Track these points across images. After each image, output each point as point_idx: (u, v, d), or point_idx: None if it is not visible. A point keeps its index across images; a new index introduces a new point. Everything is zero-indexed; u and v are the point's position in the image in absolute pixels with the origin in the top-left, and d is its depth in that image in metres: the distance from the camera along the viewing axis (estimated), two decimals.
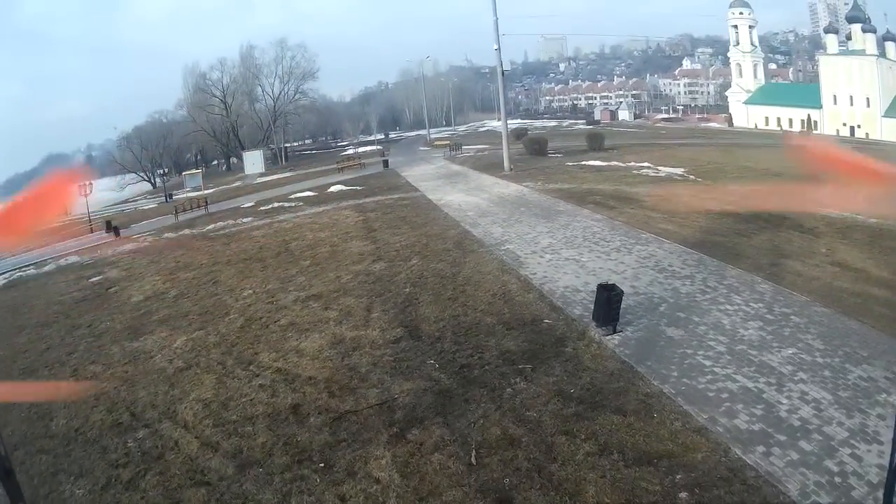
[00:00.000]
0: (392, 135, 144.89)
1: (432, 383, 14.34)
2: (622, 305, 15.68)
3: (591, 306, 16.13)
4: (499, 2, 47.54)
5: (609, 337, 15.29)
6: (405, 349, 16.52)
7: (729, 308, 16.46)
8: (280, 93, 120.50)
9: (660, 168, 43.51)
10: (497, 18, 47.60)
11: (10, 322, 27.18)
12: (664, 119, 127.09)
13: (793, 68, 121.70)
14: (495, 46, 48.69)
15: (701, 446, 10.51)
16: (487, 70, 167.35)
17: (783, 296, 17.20)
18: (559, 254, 23.30)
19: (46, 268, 40.15)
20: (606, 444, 10.88)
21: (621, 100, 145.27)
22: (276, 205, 47.93)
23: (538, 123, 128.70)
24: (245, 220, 43.24)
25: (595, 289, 16.13)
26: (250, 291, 24.13)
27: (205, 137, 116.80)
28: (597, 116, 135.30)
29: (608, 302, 15.11)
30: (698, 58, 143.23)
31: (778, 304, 16.49)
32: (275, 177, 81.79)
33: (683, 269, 20.00)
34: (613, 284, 15.50)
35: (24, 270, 41.08)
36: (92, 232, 55.50)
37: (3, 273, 41.42)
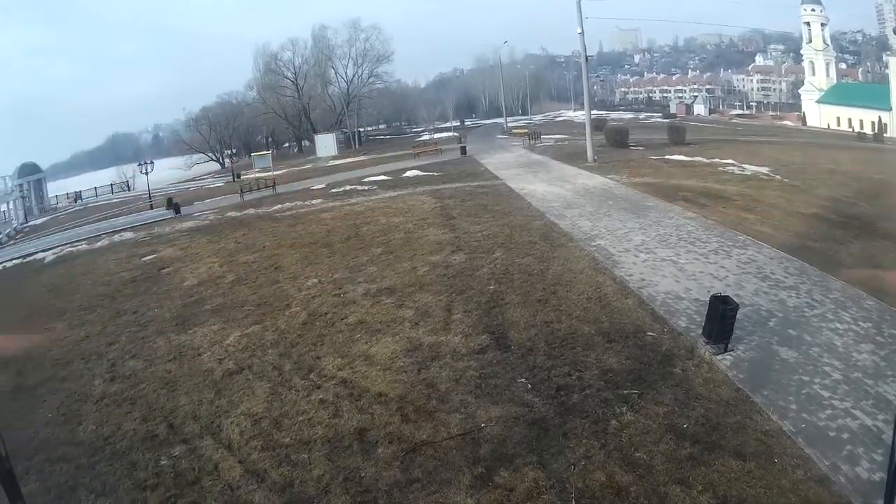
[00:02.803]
0: (468, 122, 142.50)
1: (524, 409, 12.42)
2: None
3: (697, 317, 15.60)
4: None
5: (721, 357, 13.83)
6: (492, 362, 14.59)
7: (839, 327, 15.04)
8: (354, 76, 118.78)
9: (745, 166, 41.41)
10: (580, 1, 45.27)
11: (52, 303, 26.24)
12: (738, 115, 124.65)
13: (862, 68, 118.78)
14: (579, 30, 46.84)
15: (824, 502, 9.48)
16: (563, 59, 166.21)
17: (890, 315, 15.59)
18: (655, 253, 21.57)
19: (99, 243, 39.59)
20: (725, 497, 9.73)
21: (696, 94, 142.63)
22: (347, 188, 46.57)
23: (615, 115, 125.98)
24: (314, 201, 41.92)
25: (700, 297, 16.45)
26: (315, 280, 22.44)
27: (275, 119, 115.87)
28: (672, 110, 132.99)
29: (722, 317, 13.81)
30: (770, 54, 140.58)
31: (886, 323, 15.21)
32: (347, 160, 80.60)
33: (787, 279, 18.41)
34: (728, 297, 14.18)
35: (76, 245, 40.43)
36: (152, 209, 55.00)
37: (54, 247, 40.82)
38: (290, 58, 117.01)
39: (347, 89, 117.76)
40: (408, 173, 50.19)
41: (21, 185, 76.08)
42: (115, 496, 11.70)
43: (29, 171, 78.95)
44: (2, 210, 64.25)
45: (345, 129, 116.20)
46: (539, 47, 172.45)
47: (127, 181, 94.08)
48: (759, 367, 13.34)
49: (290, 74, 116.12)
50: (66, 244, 41.61)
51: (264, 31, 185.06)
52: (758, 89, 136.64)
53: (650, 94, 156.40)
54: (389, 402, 13.31)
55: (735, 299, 15.35)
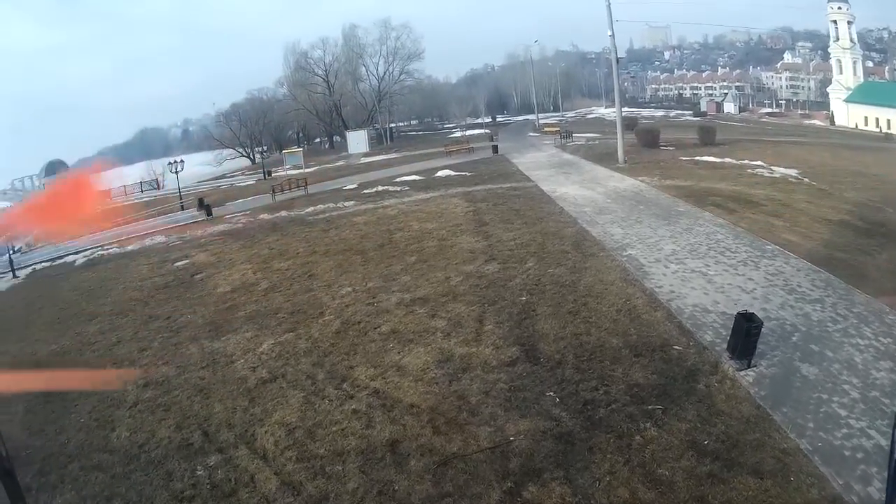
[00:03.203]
0: (499, 119, 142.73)
1: (552, 423, 12.65)
2: None
3: (723, 331, 15.75)
4: None
5: (743, 373, 14.00)
6: (521, 374, 14.82)
7: (860, 343, 15.07)
8: (385, 73, 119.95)
9: (774, 168, 41.18)
10: (609, 2, 45.51)
11: (83, 307, 26.74)
12: (768, 114, 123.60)
13: (888, 66, 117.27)
14: (609, 33, 47.08)
15: None
16: (593, 56, 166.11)
17: None
18: (684, 264, 21.62)
19: (130, 247, 40.13)
20: None
21: (725, 91, 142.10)
22: (380, 188, 46.84)
23: (645, 112, 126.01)
24: (347, 203, 42.22)
25: (727, 310, 16.70)
26: (349, 289, 22.71)
27: (306, 115, 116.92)
28: (703, 108, 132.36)
29: (747, 334, 14.01)
30: (798, 52, 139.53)
31: None
32: (379, 157, 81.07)
33: (812, 292, 18.40)
34: (753, 314, 14.35)
35: (107, 249, 41.00)
36: (183, 209, 55.89)
37: (84, 250, 41.41)
38: (320, 56, 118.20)
39: (378, 86, 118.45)
40: (440, 173, 50.57)
41: (49, 184, 76.19)
42: None
43: (56, 168, 79.80)
44: None
45: (376, 126, 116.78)
46: (570, 44, 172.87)
47: (156, 178, 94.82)
48: (781, 384, 13.55)
49: (320, 72, 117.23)
50: (95, 247, 42.19)
51: (293, 29, 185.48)
52: (786, 87, 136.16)
53: (680, 92, 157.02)
54: (421, 413, 13.57)
55: (762, 313, 15.76)
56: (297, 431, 13.45)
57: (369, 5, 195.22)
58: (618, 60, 49.87)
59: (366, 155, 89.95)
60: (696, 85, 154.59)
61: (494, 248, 25.41)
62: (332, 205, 42.48)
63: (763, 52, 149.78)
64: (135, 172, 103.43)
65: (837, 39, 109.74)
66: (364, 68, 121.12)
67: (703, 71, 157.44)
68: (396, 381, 15.04)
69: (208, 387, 16.39)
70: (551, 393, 13.80)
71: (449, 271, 23.04)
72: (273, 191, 51.38)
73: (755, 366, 14.19)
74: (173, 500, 11.98)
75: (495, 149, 63.41)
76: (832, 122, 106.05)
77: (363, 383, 15.18)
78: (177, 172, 59.46)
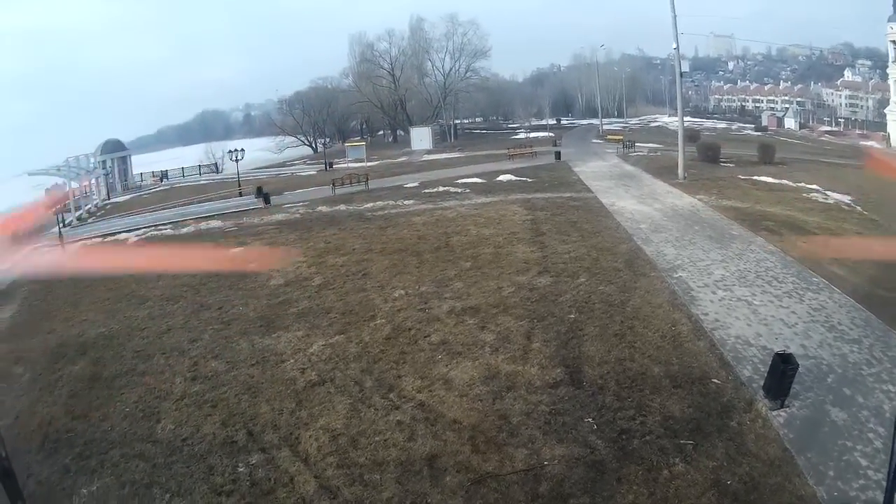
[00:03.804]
0: (564, 121, 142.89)
1: (587, 451, 12.83)
2: None
3: (762, 366, 15.67)
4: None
5: (776, 413, 13.98)
6: (563, 398, 14.96)
7: (891, 389, 14.75)
8: (450, 69, 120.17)
9: (828, 193, 40.44)
10: (675, 16, 45.22)
11: (133, 290, 27.45)
12: (827, 132, 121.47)
13: None
14: (674, 45, 46.83)
15: None
16: (659, 62, 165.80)
17: None
18: (732, 291, 21.43)
19: (185, 230, 41.17)
20: None
21: (787, 105, 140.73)
22: (440, 189, 47.16)
23: (708, 123, 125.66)
24: (406, 202, 42.67)
25: (768, 344, 16.81)
26: (402, 292, 23.00)
27: (370, 108, 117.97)
28: (764, 122, 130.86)
29: (783, 375, 14.03)
30: (858, 69, 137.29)
31: None
32: (442, 156, 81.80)
33: (852, 331, 18.04)
34: (790, 355, 14.31)
35: (160, 229, 42.11)
36: (241, 196, 56.82)
37: (138, 229, 42.33)
38: (386, 48, 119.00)
39: (444, 82, 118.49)
40: (501, 177, 50.71)
41: (104, 162, 78.94)
42: (191, 498, 12.50)
43: (112, 147, 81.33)
44: (83, 186, 66.00)
45: (441, 122, 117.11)
46: (636, 48, 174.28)
47: (215, 163, 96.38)
48: (809, 428, 13.54)
49: (386, 65, 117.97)
50: (150, 227, 43.39)
51: (358, 19, 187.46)
52: (846, 105, 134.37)
53: (743, 104, 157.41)
54: (462, 430, 13.81)
55: (801, 350, 16.33)
56: (340, 438, 13.79)
57: None
58: (682, 75, 49.77)
59: (428, 152, 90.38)
60: (758, 98, 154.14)
61: (549, 259, 25.48)
62: (391, 202, 42.93)
63: (824, 68, 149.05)
64: (194, 154, 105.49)
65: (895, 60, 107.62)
66: (430, 63, 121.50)
67: (766, 84, 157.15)
68: (442, 395, 15.29)
69: (257, 385, 16.81)
70: (590, 419, 13.96)
71: (502, 281, 23.18)
72: (333, 184, 52.02)
73: (788, 406, 14.23)
74: (212, 494, 12.46)
75: (558, 155, 63.40)
76: (888, 143, 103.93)
77: (409, 394, 15.47)
78: (237, 161, 60.79)
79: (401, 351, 17.97)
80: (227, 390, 16.70)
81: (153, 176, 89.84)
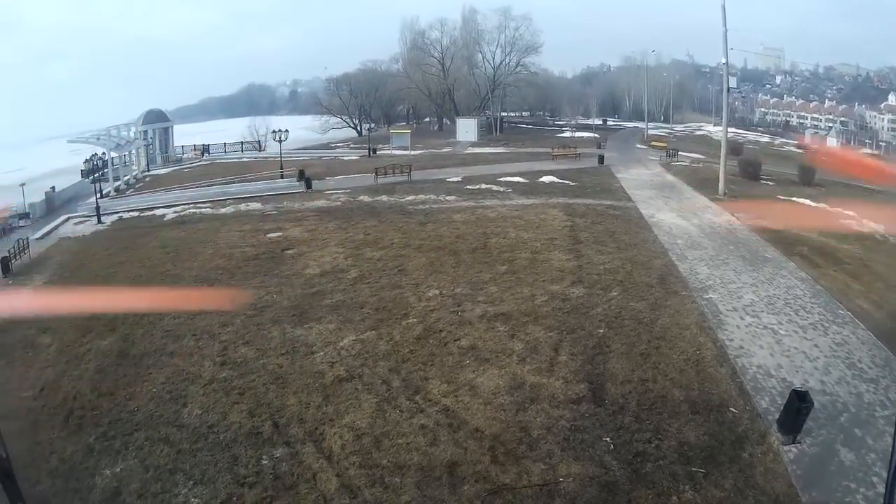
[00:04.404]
0: (610, 122, 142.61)
1: (602, 471, 13.13)
2: None
3: (779, 399, 15.99)
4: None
5: (787, 448, 14.17)
6: (584, 414, 15.24)
7: None
8: (501, 62, 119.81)
9: (864, 221, 39.68)
10: (726, 30, 44.87)
11: (167, 269, 28.09)
12: (868, 154, 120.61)
13: None
14: (723, 60, 46.57)
15: None
16: (708, 70, 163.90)
17: None
18: (759, 318, 21.44)
19: (224, 209, 41.76)
20: None
21: (830, 125, 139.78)
22: (482, 186, 47.39)
23: (752, 136, 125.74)
24: (448, 197, 42.97)
25: (788, 376, 17.06)
26: (436, 292, 23.32)
27: (418, 95, 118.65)
28: (806, 139, 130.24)
29: (797, 413, 14.26)
30: None
31: None
32: (486, 150, 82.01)
33: (871, 370, 18.05)
34: (806, 393, 14.58)
35: (200, 207, 42.80)
36: (283, 178, 57.25)
37: (176, 205, 42.98)
38: (437, 37, 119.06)
39: (493, 75, 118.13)
40: (544, 178, 50.92)
41: (146, 133, 78.89)
42: (214, 487, 12.86)
43: (155, 118, 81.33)
44: (123, 156, 66.50)
45: (487, 113, 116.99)
46: (685, 53, 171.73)
47: (258, 140, 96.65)
48: (818, 466, 13.66)
49: (437, 53, 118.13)
50: (188, 204, 44.06)
51: (410, 3, 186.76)
52: (888, 129, 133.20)
53: (787, 119, 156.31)
54: (484, 439, 14.13)
55: (819, 385, 16.69)
56: (364, 438, 14.16)
57: None
58: (729, 90, 49.53)
59: (473, 144, 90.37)
60: (803, 114, 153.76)
61: (584, 269, 25.62)
62: (433, 196, 43.27)
63: (869, 90, 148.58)
64: (237, 128, 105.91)
65: None
66: (480, 55, 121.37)
67: (812, 101, 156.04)
68: (466, 402, 15.58)
69: (285, 376, 17.19)
70: (608, 439, 14.20)
71: (535, 288, 23.38)
72: (376, 173, 52.37)
73: (799, 442, 14.44)
74: (235, 484, 12.83)
75: (601, 159, 63.32)
76: None
77: (435, 398, 15.78)
78: (280, 142, 61.07)
79: (430, 353, 18.27)
80: (256, 378, 17.08)
81: (194, 150, 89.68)
